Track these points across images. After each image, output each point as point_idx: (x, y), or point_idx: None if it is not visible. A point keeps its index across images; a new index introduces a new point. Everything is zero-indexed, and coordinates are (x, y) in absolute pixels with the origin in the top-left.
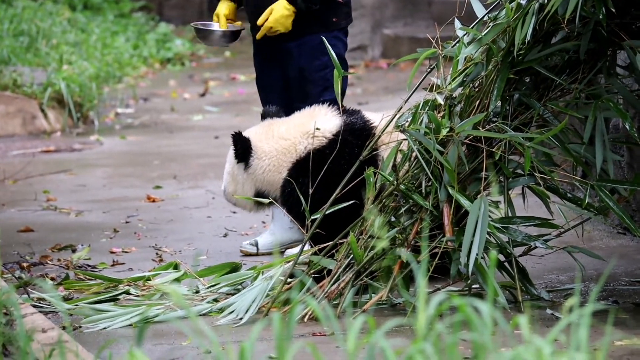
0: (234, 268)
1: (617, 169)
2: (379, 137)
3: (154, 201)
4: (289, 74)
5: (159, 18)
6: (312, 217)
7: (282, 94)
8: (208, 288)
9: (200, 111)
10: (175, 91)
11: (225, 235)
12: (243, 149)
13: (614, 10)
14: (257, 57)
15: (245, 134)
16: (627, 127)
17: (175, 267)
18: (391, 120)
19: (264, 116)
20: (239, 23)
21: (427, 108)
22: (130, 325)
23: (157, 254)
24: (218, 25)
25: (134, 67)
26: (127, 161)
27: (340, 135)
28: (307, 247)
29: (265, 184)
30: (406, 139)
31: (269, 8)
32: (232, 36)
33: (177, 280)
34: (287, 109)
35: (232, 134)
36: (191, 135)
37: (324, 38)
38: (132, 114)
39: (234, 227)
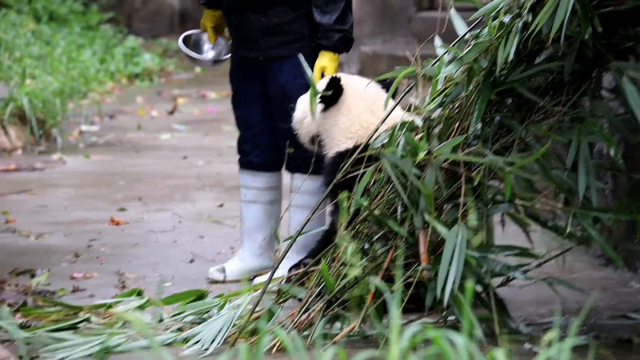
0: (200, 296)
1: (600, 197)
2: (354, 159)
3: (117, 224)
4: (270, 92)
5: (128, 31)
6: (283, 241)
7: (263, 110)
8: (172, 317)
9: (169, 130)
10: (143, 108)
11: (192, 261)
12: (334, 94)
13: (600, 29)
14: (238, 73)
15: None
16: (612, 153)
17: (139, 294)
18: (368, 140)
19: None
20: (227, 35)
21: (404, 129)
22: (90, 355)
23: (119, 280)
24: (206, 35)
25: (100, 83)
26: (90, 181)
27: None
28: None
29: (325, 133)
30: (382, 162)
31: (318, 67)
32: (223, 62)
33: (141, 308)
34: (268, 127)
35: (332, 77)
36: (158, 154)
37: (301, 56)
38: (97, 132)
39: (201, 253)
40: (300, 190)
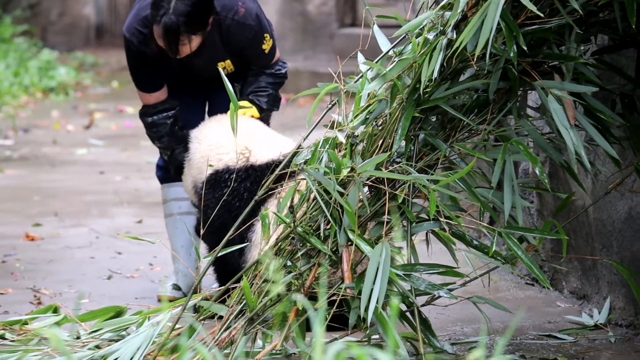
0: (118, 312)
1: (526, 216)
2: (276, 175)
3: (33, 240)
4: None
5: (43, 44)
6: (203, 258)
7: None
8: (90, 333)
9: (85, 145)
10: (58, 123)
11: (109, 278)
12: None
13: (525, 48)
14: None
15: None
16: (537, 172)
17: (55, 310)
18: (290, 159)
19: None
20: None
21: (327, 146)
22: None
23: (35, 296)
24: None
25: (14, 96)
26: (4, 196)
27: None
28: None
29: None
30: (305, 179)
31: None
32: None
33: (57, 324)
34: None
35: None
36: (74, 170)
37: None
38: (11, 146)
39: (118, 269)
40: None
